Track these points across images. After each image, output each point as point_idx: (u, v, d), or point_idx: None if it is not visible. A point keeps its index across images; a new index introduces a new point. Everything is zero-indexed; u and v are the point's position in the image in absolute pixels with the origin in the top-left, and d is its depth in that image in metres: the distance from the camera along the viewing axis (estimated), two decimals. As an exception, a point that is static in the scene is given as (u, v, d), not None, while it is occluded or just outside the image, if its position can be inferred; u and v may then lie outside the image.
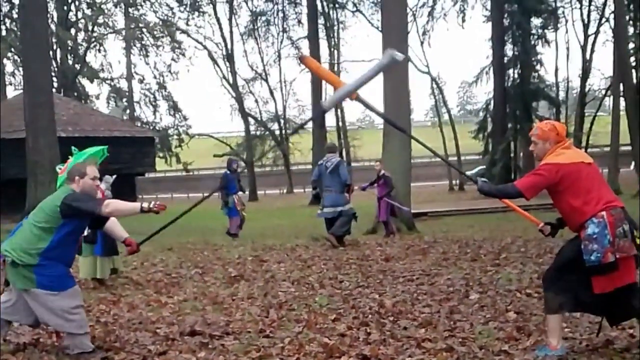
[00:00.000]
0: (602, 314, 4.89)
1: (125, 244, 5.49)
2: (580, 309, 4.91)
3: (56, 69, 39.61)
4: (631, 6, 31.50)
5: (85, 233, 8.10)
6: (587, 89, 42.67)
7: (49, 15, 32.26)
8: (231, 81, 43.98)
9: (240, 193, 15.76)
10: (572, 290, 4.67)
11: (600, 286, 4.58)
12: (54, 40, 37.92)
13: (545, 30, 34.63)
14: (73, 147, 8.15)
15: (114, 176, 8.67)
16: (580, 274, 4.61)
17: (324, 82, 39.81)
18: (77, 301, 5.18)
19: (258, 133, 46.95)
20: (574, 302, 4.73)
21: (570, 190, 4.61)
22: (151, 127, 44.60)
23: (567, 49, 43.82)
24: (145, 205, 5.06)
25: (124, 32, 44.92)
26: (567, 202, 4.66)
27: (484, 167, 35.14)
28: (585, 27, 40.59)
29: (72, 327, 5.07)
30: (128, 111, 47.63)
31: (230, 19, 43.45)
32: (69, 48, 41.59)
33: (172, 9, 44.00)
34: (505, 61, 32.90)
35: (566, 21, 41.81)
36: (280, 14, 43.95)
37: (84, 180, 5.22)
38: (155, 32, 44.86)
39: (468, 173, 35.92)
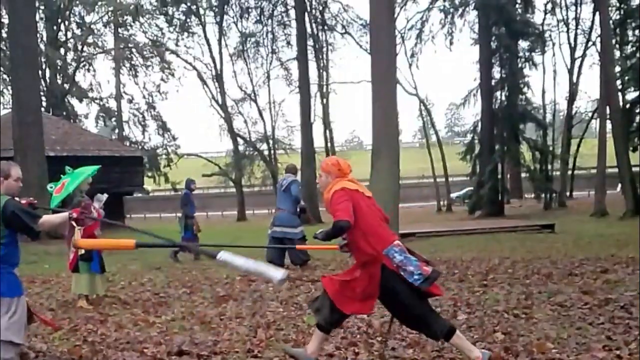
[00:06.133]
0: None
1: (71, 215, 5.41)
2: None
3: (45, 88, 39.56)
4: (617, 30, 31.87)
5: (83, 252, 8.15)
6: (573, 112, 43.04)
7: (38, 34, 32.28)
8: (220, 101, 44.02)
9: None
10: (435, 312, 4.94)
11: (435, 291, 4.91)
12: (43, 59, 37.90)
13: (533, 53, 34.90)
14: (67, 167, 8.22)
15: (106, 195, 8.67)
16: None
17: (312, 103, 40.16)
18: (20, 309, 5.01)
19: (247, 153, 46.98)
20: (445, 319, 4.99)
21: (361, 222, 4.80)
22: (140, 147, 44.51)
23: (554, 71, 44.31)
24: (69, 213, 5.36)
25: (113, 52, 44.96)
26: (360, 235, 4.84)
27: (472, 188, 35.25)
28: (572, 50, 41.05)
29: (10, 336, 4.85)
30: (117, 131, 47.55)
31: (219, 40, 43.60)
32: (58, 67, 41.56)
33: (161, 29, 44.10)
34: (492, 83, 33.08)
35: (553, 44, 42.22)
36: (270, 36, 44.10)
37: (7, 182, 5.03)
38: (144, 52, 44.89)
39: (456, 194, 35.68)
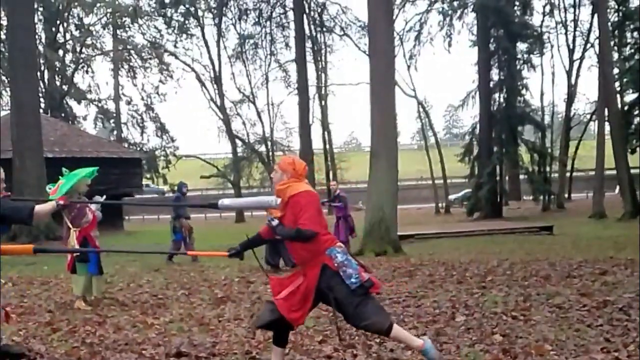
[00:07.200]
0: None
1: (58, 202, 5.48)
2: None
3: (44, 90, 39.59)
4: (616, 32, 31.93)
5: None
6: (572, 114, 43.13)
7: (37, 36, 32.29)
8: (219, 103, 44.10)
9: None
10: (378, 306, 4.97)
11: (372, 290, 4.88)
12: (41, 61, 37.92)
13: (531, 55, 35.01)
14: (64, 168, 8.20)
15: (104, 197, 8.64)
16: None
17: (311, 105, 40.21)
18: None
19: (245, 155, 47.02)
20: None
21: (314, 218, 4.82)
22: (138, 149, 44.56)
23: (553, 73, 44.61)
24: (56, 202, 5.40)
25: (111, 54, 45.03)
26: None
27: (470, 190, 35.27)
28: (571, 52, 41.16)
29: None
30: (115, 132, 47.59)
31: (218, 42, 43.70)
32: (57, 69, 41.60)
33: (160, 31, 44.24)
34: (491, 85, 33.15)
35: (552, 46, 42.44)
36: (268, 37, 44.23)
37: None
38: (143, 54, 44.97)
39: (455, 196, 35.65)
